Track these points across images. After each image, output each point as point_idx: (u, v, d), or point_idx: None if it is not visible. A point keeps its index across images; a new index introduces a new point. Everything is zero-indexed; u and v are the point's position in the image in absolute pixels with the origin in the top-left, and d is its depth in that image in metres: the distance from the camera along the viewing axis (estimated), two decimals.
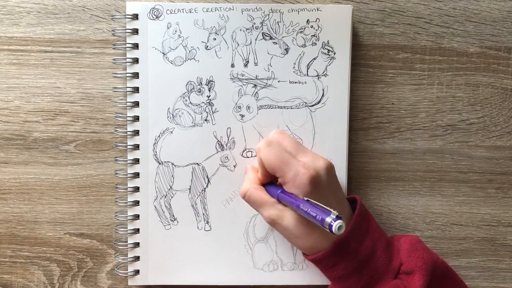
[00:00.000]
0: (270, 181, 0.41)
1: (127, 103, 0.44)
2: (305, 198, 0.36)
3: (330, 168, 0.38)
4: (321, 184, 0.37)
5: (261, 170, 0.40)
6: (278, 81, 0.44)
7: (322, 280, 0.45)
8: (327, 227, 0.32)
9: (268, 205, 0.39)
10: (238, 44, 0.43)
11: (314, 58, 0.44)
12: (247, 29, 0.43)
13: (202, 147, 0.44)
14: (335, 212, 0.33)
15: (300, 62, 0.44)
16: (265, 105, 0.44)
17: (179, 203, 0.44)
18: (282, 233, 0.39)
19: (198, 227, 0.45)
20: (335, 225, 0.32)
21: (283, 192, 0.38)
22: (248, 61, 0.44)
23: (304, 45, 0.43)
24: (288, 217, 0.38)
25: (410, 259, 0.39)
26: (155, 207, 0.44)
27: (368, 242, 0.39)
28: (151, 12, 0.43)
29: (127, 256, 0.45)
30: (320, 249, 0.38)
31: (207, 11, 0.43)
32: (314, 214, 0.33)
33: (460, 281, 0.41)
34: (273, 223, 0.39)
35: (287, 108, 0.44)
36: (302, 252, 0.41)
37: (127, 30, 0.43)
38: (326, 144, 0.44)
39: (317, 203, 0.34)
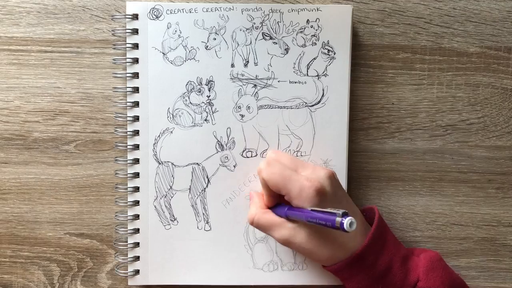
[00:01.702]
0: (276, 202, 0.41)
1: (127, 103, 0.44)
2: (310, 209, 0.36)
3: (332, 177, 0.39)
4: (327, 194, 0.37)
5: (266, 191, 0.40)
6: (278, 81, 0.44)
7: (322, 280, 0.45)
8: (339, 226, 0.32)
9: (278, 226, 0.38)
10: (238, 44, 0.43)
11: (314, 58, 0.44)
12: (247, 29, 0.43)
13: (202, 147, 0.44)
14: (339, 211, 0.32)
15: (300, 62, 0.44)
16: (265, 105, 0.44)
17: (179, 203, 0.44)
18: (297, 250, 0.39)
19: (198, 227, 0.45)
20: (346, 222, 0.31)
21: (291, 209, 0.38)
22: (248, 61, 0.44)
23: (304, 45, 0.43)
24: (300, 234, 0.37)
25: (428, 277, 0.39)
26: (155, 207, 0.44)
27: (385, 257, 0.38)
28: (151, 12, 0.43)
29: (127, 256, 0.45)
30: (337, 260, 0.38)
31: (207, 11, 0.43)
32: (323, 221, 0.33)
33: None
34: (287, 243, 0.38)
35: (287, 108, 0.44)
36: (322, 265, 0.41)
37: (127, 30, 0.43)
38: (326, 144, 0.44)
39: (323, 209, 0.34)
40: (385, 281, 0.38)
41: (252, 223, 0.40)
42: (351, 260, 0.38)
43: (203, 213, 0.44)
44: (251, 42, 0.43)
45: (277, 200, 0.41)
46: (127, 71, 0.44)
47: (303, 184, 0.37)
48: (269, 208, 0.41)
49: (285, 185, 0.37)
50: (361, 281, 0.38)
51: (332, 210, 0.33)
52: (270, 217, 0.39)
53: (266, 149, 0.44)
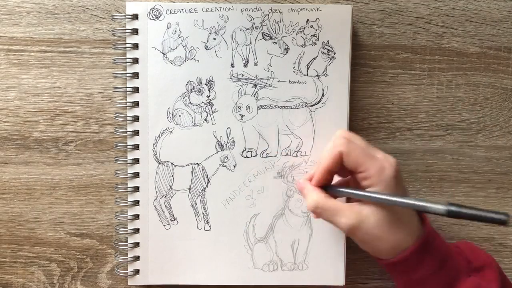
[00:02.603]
0: (325, 183, 0.39)
1: (127, 103, 0.44)
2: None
3: (399, 166, 0.37)
4: (400, 180, 0.36)
5: (328, 164, 0.37)
6: (278, 81, 0.44)
7: (322, 280, 0.45)
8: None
9: (345, 210, 0.36)
10: (238, 44, 0.43)
11: (314, 58, 0.44)
12: (247, 29, 0.43)
13: (202, 147, 0.44)
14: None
15: (300, 62, 0.44)
16: (265, 105, 0.44)
17: (179, 203, 0.44)
18: (363, 237, 0.36)
19: (198, 227, 0.45)
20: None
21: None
22: (248, 61, 0.44)
23: (304, 45, 0.43)
24: (370, 218, 0.35)
25: (476, 256, 0.39)
26: (155, 207, 0.44)
27: (441, 241, 0.38)
28: (151, 12, 0.43)
29: (127, 256, 0.45)
30: (404, 248, 0.36)
31: (207, 11, 0.43)
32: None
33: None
34: (353, 230, 0.36)
35: (287, 108, 0.44)
36: (377, 259, 0.38)
37: (127, 30, 0.43)
38: (326, 144, 0.44)
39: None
40: (448, 264, 0.37)
41: (315, 209, 0.37)
42: (423, 241, 0.36)
43: (203, 213, 0.44)
44: (251, 42, 0.43)
45: (329, 180, 0.39)
46: (127, 71, 0.44)
47: (384, 165, 0.35)
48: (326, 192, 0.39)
49: (366, 162, 0.36)
50: (430, 266, 0.36)
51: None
52: (335, 202, 0.37)
53: (266, 149, 0.44)
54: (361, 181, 0.36)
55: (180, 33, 0.43)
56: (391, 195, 0.35)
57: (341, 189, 0.38)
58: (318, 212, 0.37)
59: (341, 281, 0.45)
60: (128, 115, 0.44)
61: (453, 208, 0.31)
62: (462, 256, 0.39)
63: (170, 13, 0.43)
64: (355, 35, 0.45)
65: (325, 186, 0.39)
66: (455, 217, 0.31)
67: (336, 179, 0.41)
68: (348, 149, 0.37)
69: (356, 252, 0.46)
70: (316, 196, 0.38)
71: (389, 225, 0.35)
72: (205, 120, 0.44)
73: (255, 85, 0.44)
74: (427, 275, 0.36)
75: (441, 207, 0.31)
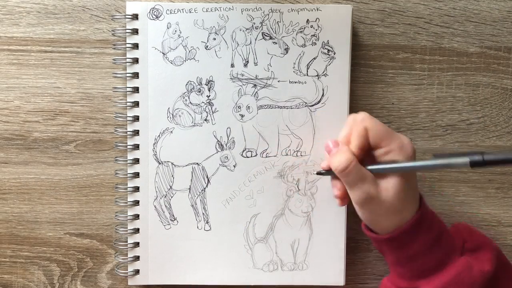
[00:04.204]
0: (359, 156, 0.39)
1: (127, 103, 0.44)
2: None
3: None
4: (415, 157, 0.38)
5: (358, 142, 0.38)
6: (278, 81, 0.44)
7: (322, 280, 0.45)
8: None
9: (369, 180, 0.37)
10: (238, 44, 0.43)
11: (314, 58, 0.44)
12: (247, 29, 0.43)
13: (202, 147, 0.44)
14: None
15: (300, 62, 0.44)
16: (265, 105, 0.44)
17: (179, 203, 0.44)
18: (374, 209, 0.38)
19: (198, 227, 0.45)
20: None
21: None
22: (248, 61, 0.44)
23: (304, 45, 0.43)
24: (388, 189, 0.37)
25: (472, 237, 0.40)
26: (155, 207, 0.44)
27: (437, 219, 0.39)
28: (151, 12, 0.43)
29: (127, 256, 0.45)
30: (402, 222, 0.38)
31: (207, 11, 0.43)
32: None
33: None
34: (370, 199, 0.37)
35: (287, 108, 0.44)
36: (372, 236, 0.40)
37: (127, 30, 0.43)
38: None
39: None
40: (441, 242, 0.38)
41: (345, 168, 0.37)
42: (419, 216, 0.37)
43: (203, 213, 0.44)
44: (251, 42, 0.43)
45: (363, 154, 0.39)
46: (127, 71, 0.44)
47: (403, 141, 0.38)
48: None
49: (387, 137, 0.38)
50: (425, 241, 0.38)
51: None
52: (365, 170, 0.38)
53: (266, 149, 0.44)
54: (382, 156, 0.38)
55: (180, 33, 0.43)
56: (418, 162, 0.37)
57: (370, 167, 0.38)
58: (346, 173, 0.37)
59: (341, 281, 0.45)
60: (128, 115, 0.44)
61: (475, 158, 0.31)
62: (458, 236, 0.40)
63: (170, 13, 0.43)
64: (355, 35, 0.45)
65: None
66: (479, 166, 0.31)
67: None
68: (372, 123, 0.38)
69: (356, 252, 0.47)
70: (350, 157, 0.38)
71: (404, 199, 0.37)
72: (205, 120, 0.44)
73: (255, 85, 0.44)
74: (420, 251, 0.38)
75: (463, 160, 0.32)
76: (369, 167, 0.38)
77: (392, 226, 0.38)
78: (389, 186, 0.37)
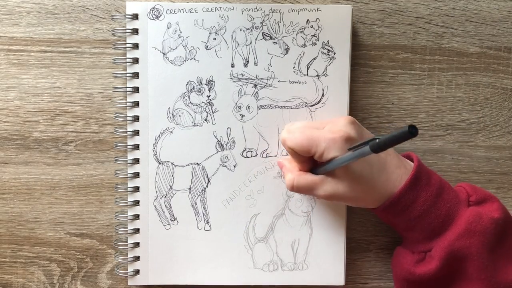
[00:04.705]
0: (310, 168, 0.41)
1: (127, 103, 0.44)
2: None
3: (353, 122, 0.39)
4: (354, 139, 0.37)
5: (297, 159, 0.40)
6: (278, 81, 0.44)
7: (322, 280, 0.45)
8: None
9: (320, 183, 0.39)
10: (238, 44, 0.43)
11: (314, 58, 0.44)
12: (247, 29, 0.43)
13: (202, 147, 0.44)
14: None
15: (300, 62, 0.44)
16: (265, 105, 0.44)
17: (179, 203, 0.44)
18: (345, 201, 0.40)
19: (198, 227, 0.45)
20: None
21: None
22: (248, 61, 0.44)
23: (304, 45, 0.43)
24: (343, 184, 0.38)
25: (477, 191, 0.40)
26: (155, 207, 0.44)
27: (436, 176, 0.40)
28: (151, 12, 0.43)
29: (127, 256, 0.45)
30: (391, 193, 0.38)
31: (207, 11, 0.43)
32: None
33: None
34: (332, 197, 0.39)
35: (287, 108, 0.44)
36: (372, 210, 0.40)
37: (127, 30, 0.43)
38: None
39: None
40: (444, 196, 0.38)
41: (292, 188, 0.40)
42: (412, 177, 0.38)
43: (203, 213, 0.44)
44: (251, 42, 0.43)
45: (311, 166, 0.40)
46: (127, 71, 0.44)
47: (329, 138, 0.37)
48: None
49: (312, 144, 0.38)
50: (426, 199, 0.38)
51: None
52: (309, 177, 0.39)
53: (266, 149, 0.44)
54: (319, 159, 0.38)
55: (180, 33, 0.43)
56: (335, 160, 0.37)
57: (315, 169, 0.40)
58: (295, 190, 0.40)
59: (341, 281, 0.45)
60: (128, 115, 0.44)
61: (374, 144, 0.31)
62: (463, 191, 0.40)
63: (170, 13, 0.43)
64: (355, 35, 0.45)
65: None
66: (380, 150, 0.31)
67: None
68: (292, 141, 0.39)
69: (356, 252, 0.47)
70: (291, 176, 0.40)
71: (365, 182, 0.38)
72: (205, 120, 0.44)
73: (255, 85, 0.44)
74: (425, 209, 0.38)
75: (366, 150, 0.32)
76: (315, 170, 0.40)
77: (381, 197, 0.39)
78: (343, 180, 0.38)
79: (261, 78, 0.44)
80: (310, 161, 0.40)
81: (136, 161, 0.44)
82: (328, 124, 0.39)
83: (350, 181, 0.38)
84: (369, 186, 0.38)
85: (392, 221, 0.41)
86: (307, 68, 0.44)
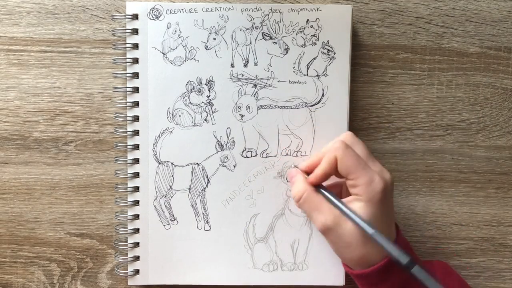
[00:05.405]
0: (321, 183, 0.40)
1: (127, 103, 0.44)
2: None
3: (392, 183, 0.38)
4: (388, 196, 0.37)
5: (324, 167, 0.38)
6: (278, 81, 0.44)
7: (322, 280, 0.45)
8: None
9: (326, 210, 0.37)
10: (238, 44, 0.43)
11: (314, 58, 0.44)
12: (247, 29, 0.43)
13: (202, 147, 0.44)
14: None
15: (300, 62, 0.44)
16: (265, 105, 0.44)
17: (179, 203, 0.44)
18: (334, 241, 0.38)
19: (198, 227, 0.45)
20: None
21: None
22: (248, 61, 0.44)
23: (304, 45, 0.43)
24: (346, 224, 0.36)
25: (448, 281, 0.39)
26: (155, 207, 0.44)
27: (414, 255, 0.39)
28: (151, 12, 0.43)
29: (127, 256, 0.45)
30: (370, 262, 0.37)
31: (207, 11, 0.43)
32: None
33: None
34: (327, 230, 0.37)
35: (287, 108, 0.44)
36: (344, 266, 0.40)
37: (127, 30, 0.43)
38: (326, 144, 0.44)
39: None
40: (413, 286, 0.37)
41: (299, 199, 0.39)
42: (388, 263, 0.36)
43: (203, 213, 0.44)
44: (251, 42, 0.43)
45: (325, 180, 0.39)
46: (127, 71, 0.44)
47: (374, 177, 0.36)
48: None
49: (356, 172, 0.36)
50: (393, 285, 0.37)
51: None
52: (319, 198, 0.38)
53: (266, 149, 0.44)
54: (350, 188, 0.37)
55: (180, 33, 0.43)
56: (360, 217, 0.36)
57: (324, 192, 0.39)
58: (300, 203, 0.39)
59: (341, 281, 0.45)
60: (128, 115, 0.44)
61: (408, 262, 0.33)
62: (433, 277, 0.39)
63: (170, 13, 0.43)
64: (355, 35, 0.45)
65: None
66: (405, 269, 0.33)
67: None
68: (343, 155, 0.37)
69: None
70: (304, 187, 0.39)
71: (363, 237, 0.36)
72: (205, 120, 0.44)
73: (255, 85, 0.44)
74: None
75: (403, 258, 0.34)
76: (323, 193, 0.39)
77: (358, 261, 0.37)
78: (349, 220, 0.36)
79: (261, 78, 0.44)
80: (327, 178, 0.39)
81: (136, 161, 0.44)
82: (378, 168, 0.38)
83: (355, 227, 0.36)
84: (367, 242, 0.36)
85: (358, 284, 0.40)
86: (307, 68, 0.44)
